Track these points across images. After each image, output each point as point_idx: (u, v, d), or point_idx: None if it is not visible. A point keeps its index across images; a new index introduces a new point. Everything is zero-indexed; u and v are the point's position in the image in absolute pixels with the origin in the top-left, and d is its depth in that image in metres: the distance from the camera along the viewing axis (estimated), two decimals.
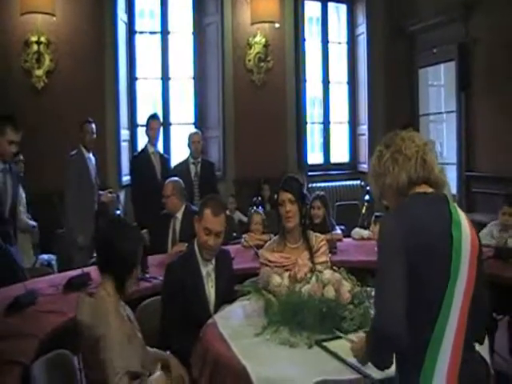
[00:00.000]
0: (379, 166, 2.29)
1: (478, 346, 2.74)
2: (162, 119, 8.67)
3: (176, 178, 5.74)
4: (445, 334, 2.08)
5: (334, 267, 3.29)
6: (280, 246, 3.81)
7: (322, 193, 6.08)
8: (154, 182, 6.82)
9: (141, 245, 3.00)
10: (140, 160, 7.11)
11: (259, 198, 7.46)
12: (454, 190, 8.68)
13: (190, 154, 7.19)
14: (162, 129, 8.59)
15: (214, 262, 3.74)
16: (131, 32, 8.76)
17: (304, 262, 3.64)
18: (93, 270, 4.31)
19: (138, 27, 8.96)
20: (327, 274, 3.15)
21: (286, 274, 3.48)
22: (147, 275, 4.34)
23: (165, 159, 7.32)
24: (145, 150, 7.14)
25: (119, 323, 2.75)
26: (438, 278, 2.10)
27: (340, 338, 2.82)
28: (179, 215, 5.41)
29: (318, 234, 3.95)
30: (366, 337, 2.24)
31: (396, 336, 2.02)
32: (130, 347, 2.77)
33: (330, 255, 4.29)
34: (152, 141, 7.09)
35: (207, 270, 3.70)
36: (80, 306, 2.86)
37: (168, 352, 3.33)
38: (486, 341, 2.85)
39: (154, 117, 7.24)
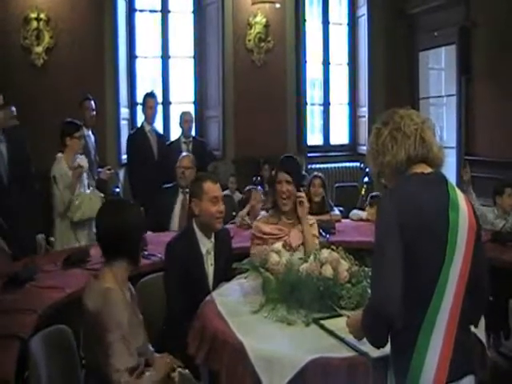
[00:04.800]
0: (377, 144, 2.27)
1: (474, 328, 2.78)
2: (161, 98, 8.74)
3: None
4: (438, 315, 2.08)
5: (332, 246, 3.30)
6: (274, 219, 3.88)
7: (319, 173, 6.09)
8: (151, 160, 6.86)
9: (140, 215, 3.00)
10: (136, 138, 7.14)
11: (259, 178, 7.47)
12: (453, 174, 8.70)
13: (182, 133, 7.27)
14: (161, 108, 8.65)
15: (213, 239, 3.76)
16: (131, 10, 8.70)
17: (298, 234, 3.74)
18: (92, 247, 4.36)
19: (138, 5, 8.89)
20: (325, 252, 3.16)
21: (280, 243, 3.50)
22: (146, 252, 4.34)
23: (162, 137, 7.34)
24: (141, 128, 7.19)
25: (125, 314, 2.73)
26: (433, 258, 2.09)
27: (337, 316, 2.84)
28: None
29: (309, 216, 4.00)
30: (362, 314, 2.23)
31: (392, 316, 2.03)
32: (132, 338, 2.75)
33: (327, 237, 4.38)
34: (149, 119, 7.12)
35: (207, 249, 3.72)
36: (87, 291, 2.84)
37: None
38: (483, 322, 2.89)
39: (150, 95, 7.27)
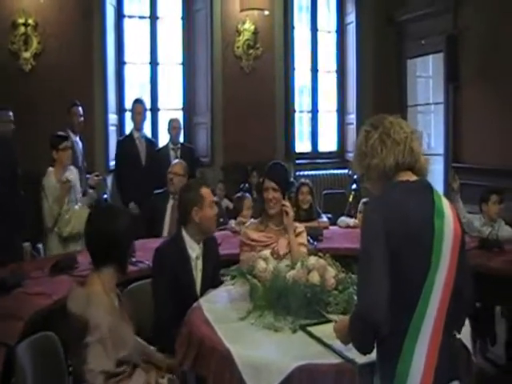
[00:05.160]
0: (366, 145, 2.27)
1: (459, 334, 2.79)
2: (150, 104, 8.74)
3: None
4: (424, 321, 2.09)
5: (320, 253, 3.31)
6: (262, 226, 3.95)
7: (307, 180, 6.11)
8: (139, 167, 6.88)
9: (130, 221, 3.00)
10: (125, 145, 7.20)
11: (246, 185, 7.49)
12: (440, 181, 8.77)
13: (170, 139, 7.31)
14: (150, 114, 8.65)
15: (202, 246, 3.79)
16: (120, 16, 8.69)
17: (285, 242, 3.79)
18: (80, 254, 4.35)
19: (126, 11, 8.88)
20: (312, 259, 3.17)
21: (268, 251, 3.52)
22: (133, 259, 4.33)
23: (151, 143, 7.37)
24: (130, 134, 7.24)
25: (107, 318, 2.73)
26: (418, 266, 2.10)
27: (324, 323, 2.85)
28: None
29: (298, 224, 4.06)
30: (349, 320, 2.23)
31: (378, 322, 2.03)
32: (114, 344, 2.74)
33: (315, 244, 4.41)
34: (137, 125, 7.18)
35: (196, 254, 3.75)
36: (72, 297, 2.84)
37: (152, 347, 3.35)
38: (469, 328, 2.91)
39: (138, 101, 7.33)
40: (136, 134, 7.18)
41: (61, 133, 5.71)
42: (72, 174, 5.58)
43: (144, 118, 7.34)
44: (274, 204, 3.84)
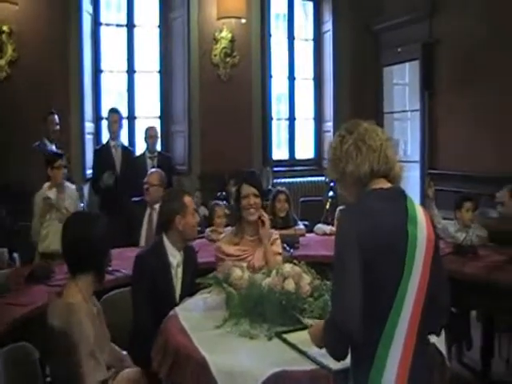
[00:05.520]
0: (341, 150, 2.25)
1: (435, 339, 2.81)
2: (127, 113, 8.73)
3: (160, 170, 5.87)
4: (397, 328, 2.09)
5: (295, 261, 3.33)
6: (237, 238, 3.94)
7: (284, 188, 6.13)
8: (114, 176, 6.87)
9: (106, 228, 2.99)
10: (101, 154, 7.19)
11: (223, 193, 7.49)
12: (417, 188, 8.84)
13: (147, 148, 7.30)
14: (127, 122, 8.65)
15: (182, 253, 3.81)
16: (96, 24, 8.67)
17: (261, 254, 3.78)
18: (56, 263, 4.32)
19: (103, 19, 8.86)
20: (287, 267, 3.18)
21: (244, 263, 3.54)
22: (110, 268, 4.32)
23: (128, 152, 7.36)
24: (106, 143, 7.25)
25: (91, 328, 2.71)
26: (391, 275, 2.10)
27: (299, 330, 2.86)
28: (158, 206, 5.43)
29: (272, 230, 4.08)
30: (323, 327, 2.24)
31: (352, 330, 2.04)
32: (99, 352, 2.73)
33: (291, 251, 4.43)
34: (113, 135, 7.19)
35: (177, 262, 3.78)
36: (51, 310, 2.82)
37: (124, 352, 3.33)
38: (443, 334, 2.93)
39: (114, 111, 7.36)
40: (112, 143, 7.20)
41: (56, 150, 5.73)
42: (68, 189, 5.60)
43: (120, 127, 7.34)
44: (255, 210, 3.85)
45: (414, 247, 2.12)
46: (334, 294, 2.20)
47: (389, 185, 2.24)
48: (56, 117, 6.66)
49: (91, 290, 2.91)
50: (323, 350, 2.27)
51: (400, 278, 2.10)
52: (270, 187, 7.92)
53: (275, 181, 8.87)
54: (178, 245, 3.79)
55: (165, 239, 3.78)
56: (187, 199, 3.81)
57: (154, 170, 5.93)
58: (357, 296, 2.05)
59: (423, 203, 7.12)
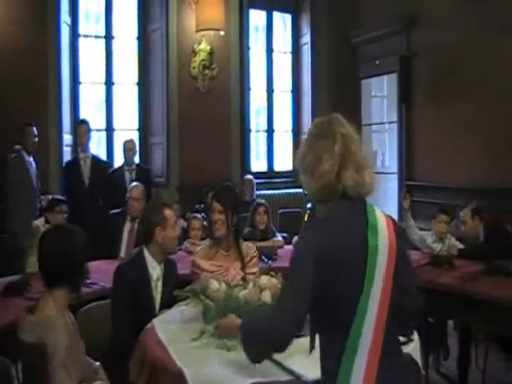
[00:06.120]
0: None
1: (409, 349, 2.85)
2: (105, 125, 8.71)
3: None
4: (360, 341, 2.06)
5: (272, 272, 3.34)
6: (211, 252, 3.93)
7: (263, 200, 6.16)
8: (82, 188, 6.88)
9: (84, 242, 2.97)
10: (69, 167, 7.22)
11: (202, 205, 7.50)
12: (395, 199, 8.90)
13: (125, 161, 7.28)
14: (105, 134, 8.66)
15: (163, 267, 3.81)
16: (75, 35, 8.65)
17: (236, 270, 3.77)
18: (34, 277, 4.29)
19: (82, 31, 8.84)
20: (264, 279, 3.20)
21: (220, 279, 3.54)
22: (88, 281, 4.31)
23: (98, 163, 7.33)
24: (76, 156, 7.23)
25: (66, 341, 2.70)
26: (352, 287, 2.08)
27: None
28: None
29: (250, 245, 4.09)
30: (247, 328, 2.29)
31: (274, 342, 2.11)
32: (73, 365, 2.72)
33: (269, 263, 4.43)
34: (82, 146, 7.18)
35: (157, 275, 3.77)
36: (22, 326, 2.80)
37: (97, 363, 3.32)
38: (418, 343, 2.96)
39: (81, 122, 7.36)
40: (81, 155, 7.20)
41: (58, 196, 5.77)
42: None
43: (89, 139, 7.34)
44: (219, 226, 3.85)
45: (374, 257, 2.09)
46: (274, 304, 2.26)
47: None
48: (34, 129, 6.63)
49: (66, 302, 2.90)
50: (298, 362, 2.29)
51: (361, 289, 2.07)
52: (254, 197, 7.94)
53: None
54: (158, 258, 3.78)
55: (145, 251, 3.78)
56: (167, 212, 3.81)
57: (135, 183, 5.91)
58: (295, 313, 2.08)
59: (400, 214, 7.20)
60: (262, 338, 2.17)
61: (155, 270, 3.76)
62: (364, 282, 2.08)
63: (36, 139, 6.66)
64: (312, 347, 2.22)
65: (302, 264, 2.10)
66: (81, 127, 7.30)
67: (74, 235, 2.93)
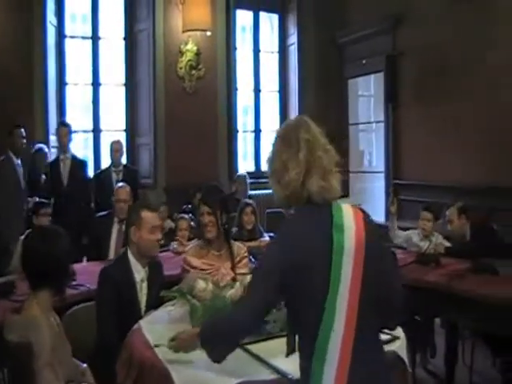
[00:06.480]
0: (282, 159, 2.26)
1: (396, 346, 2.86)
2: (92, 126, 8.69)
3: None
4: (330, 343, 2.06)
5: None
6: (203, 251, 3.91)
7: (250, 200, 6.16)
8: (61, 189, 6.91)
9: (68, 243, 2.95)
10: (50, 168, 7.21)
11: (189, 206, 7.49)
12: (382, 198, 8.95)
13: (112, 162, 7.26)
14: (92, 136, 8.65)
15: (147, 269, 3.78)
16: (61, 36, 8.62)
17: (227, 270, 3.76)
18: (18, 278, 4.27)
19: (68, 31, 8.82)
20: (250, 278, 3.19)
21: (210, 278, 3.53)
22: (74, 282, 4.31)
23: (78, 164, 7.31)
24: (56, 157, 7.27)
25: (50, 341, 2.69)
26: (318, 288, 2.08)
27: (261, 340, 2.88)
28: None
29: (241, 245, 4.08)
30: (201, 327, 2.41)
31: (240, 333, 2.28)
32: (59, 365, 2.71)
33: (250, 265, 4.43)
34: (63, 148, 7.18)
35: (141, 277, 3.73)
36: (8, 326, 2.79)
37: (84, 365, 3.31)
38: (405, 341, 2.97)
39: (62, 124, 7.35)
40: (61, 157, 7.20)
41: (42, 200, 5.76)
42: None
43: (70, 140, 7.33)
44: (210, 228, 3.83)
45: (340, 256, 2.09)
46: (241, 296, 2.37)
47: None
48: (23, 130, 6.60)
49: (49, 303, 2.89)
50: (284, 361, 2.30)
51: (327, 290, 2.07)
52: (247, 195, 7.91)
53: None
54: (141, 260, 3.73)
55: (129, 253, 3.75)
56: (146, 214, 3.72)
57: (121, 184, 5.89)
58: (253, 307, 2.18)
59: (387, 213, 7.22)
60: (220, 333, 2.28)
61: (139, 273, 3.72)
62: (330, 282, 2.08)
63: (24, 141, 6.63)
64: (290, 350, 2.25)
65: (269, 264, 2.17)
66: (62, 129, 7.31)
67: (58, 237, 2.92)
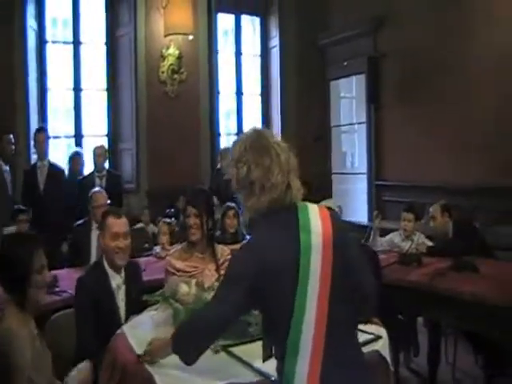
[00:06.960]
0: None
1: (379, 346, 2.89)
2: (74, 131, 8.65)
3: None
4: (300, 341, 2.08)
5: None
6: (187, 254, 3.91)
7: (233, 204, 6.17)
8: (38, 196, 6.90)
9: (35, 249, 2.85)
10: (27, 174, 7.15)
11: (172, 210, 7.48)
12: (364, 198, 9.00)
13: (95, 167, 7.23)
14: (74, 141, 8.62)
15: (123, 274, 3.76)
16: (42, 41, 8.59)
17: (211, 272, 3.76)
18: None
19: (50, 36, 8.79)
20: (220, 281, 3.20)
21: (193, 281, 3.54)
22: (57, 289, 4.30)
23: (55, 171, 7.27)
24: (34, 164, 7.23)
25: (29, 352, 2.68)
26: (287, 290, 2.10)
27: (244, 343, 2.90)
28: None
29: (225, 248, 4.08)
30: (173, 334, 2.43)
31: (211, 332, 2.29)
32: (37, 375, 2.70)
33: None
34: (41, 155, 7.12)
35: (117, 283, 3.72)
36: None
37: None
38: (387, 340, 3.00)
39: (39, 130, 7.29)
40: (39, 164, 7.15)
41: (19, 206, 5.79)
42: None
43: (47, 147, 7.28)
44: (194, 230, 3.83)
45: (307, 255, 2.11)
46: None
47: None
48: (11, 136, 6.56)
49: (26, 314, 2.85)
50: (268, 363, 2.32)
51: (296, 286, 2.09)
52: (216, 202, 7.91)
53: None
54: (114, 267, 3.72)
55: (104, 260, 3.74)
56: (111, 220, 3.70)
57: (97, 189, 5.86)
58: (222, 308, 2.21)
59: (370, 214, 7.26)
60: (190, 332, 2.32)
61: (115, 279, 3.71)
62: (299, 279, 2.10)
63: (13, 147, 6.59)
64: (266, 356, 2.28)
65: (239, 268, 2.20)
66: (39, 135, 7.21)
67: (32, 242, 2.88)
